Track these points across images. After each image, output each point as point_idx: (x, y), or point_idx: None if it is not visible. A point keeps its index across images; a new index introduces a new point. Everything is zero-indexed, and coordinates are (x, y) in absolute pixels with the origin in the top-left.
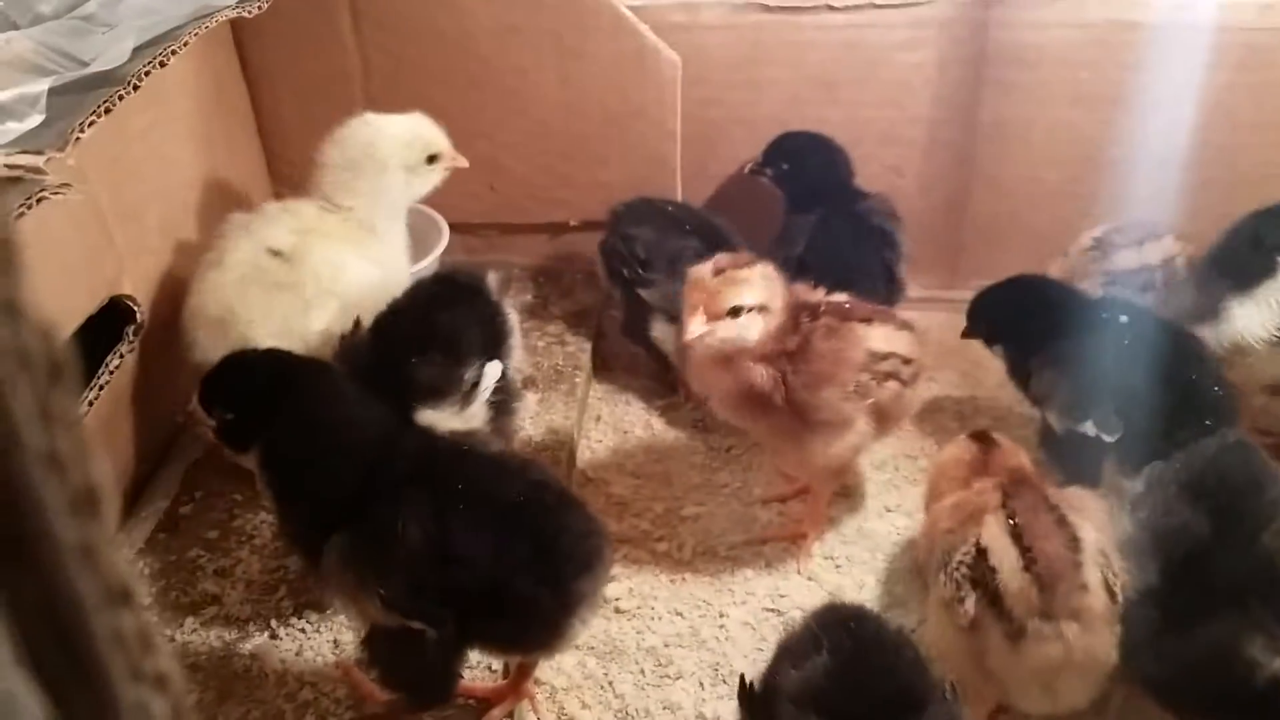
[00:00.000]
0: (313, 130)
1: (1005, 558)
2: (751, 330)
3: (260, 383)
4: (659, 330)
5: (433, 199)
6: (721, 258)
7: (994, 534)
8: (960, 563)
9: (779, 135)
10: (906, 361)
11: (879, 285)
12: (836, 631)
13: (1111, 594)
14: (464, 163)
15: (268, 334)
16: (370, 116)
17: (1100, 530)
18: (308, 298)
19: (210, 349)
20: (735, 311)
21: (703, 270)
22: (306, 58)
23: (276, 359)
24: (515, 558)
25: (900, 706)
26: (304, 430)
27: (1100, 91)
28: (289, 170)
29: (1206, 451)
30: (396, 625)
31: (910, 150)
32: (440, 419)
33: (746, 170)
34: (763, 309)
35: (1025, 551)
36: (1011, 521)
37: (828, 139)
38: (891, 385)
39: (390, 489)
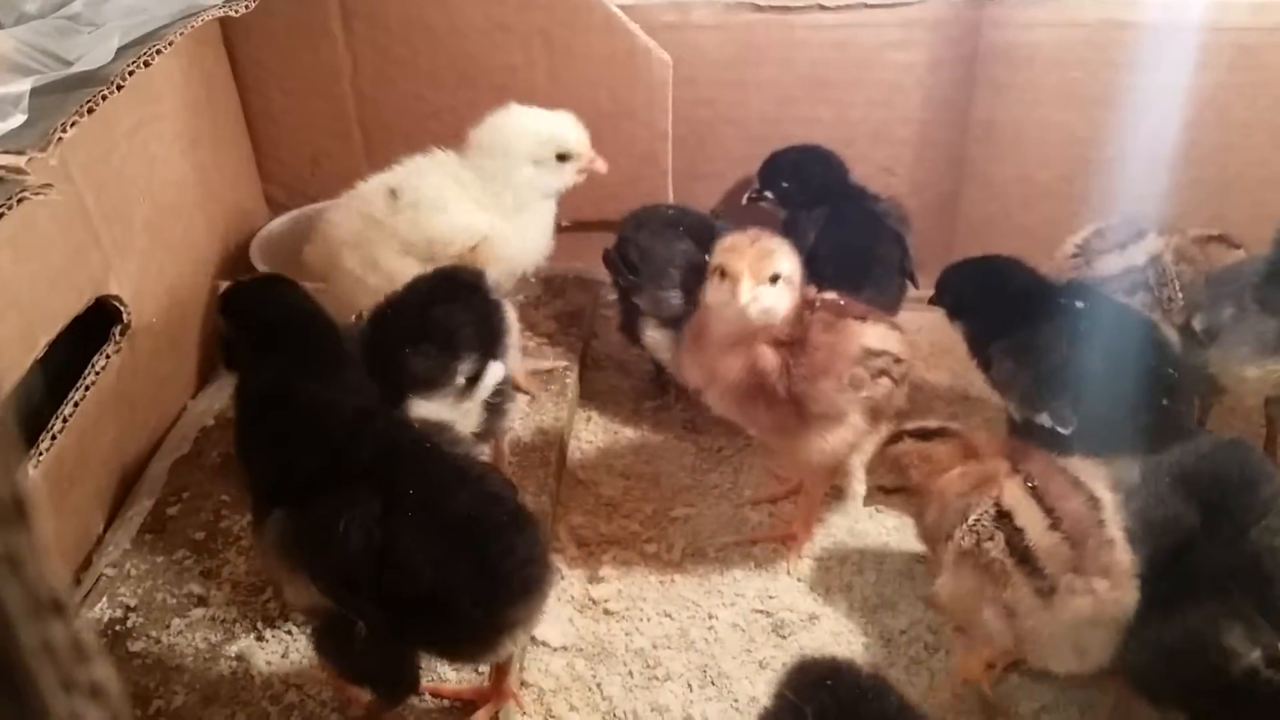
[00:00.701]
0: (302, 127)
1: (1031, 517)
2: (784, 300)
3: (264, 319)
4: (649, 336)
5: None
6: (749, 230)
7: (1016, 495)
8: (978, 520)
9: (768, 157)
10: (898, 361)
11: (894, 280)
12: (817, 694)
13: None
14: (602, 167)
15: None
16: (515, 107)
17: (1111, 491)
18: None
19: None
20: (774, 279)
21: (739, 238)
22: (296, 55)
23: (302, 309)
24: (453, 575)
25: None
26: (272, 393)
27: (1092, 91)
28: (278, 168)
29: (1202, 447)
30: (329, 610)
31: (902, 150)
32: (433, 410)
33: (744, 201)
34: (789, 280)
35: (1049, 511)
36: (1030, 484)
37: (815, 146)
38: (884, 382)
39: (340, 484)
